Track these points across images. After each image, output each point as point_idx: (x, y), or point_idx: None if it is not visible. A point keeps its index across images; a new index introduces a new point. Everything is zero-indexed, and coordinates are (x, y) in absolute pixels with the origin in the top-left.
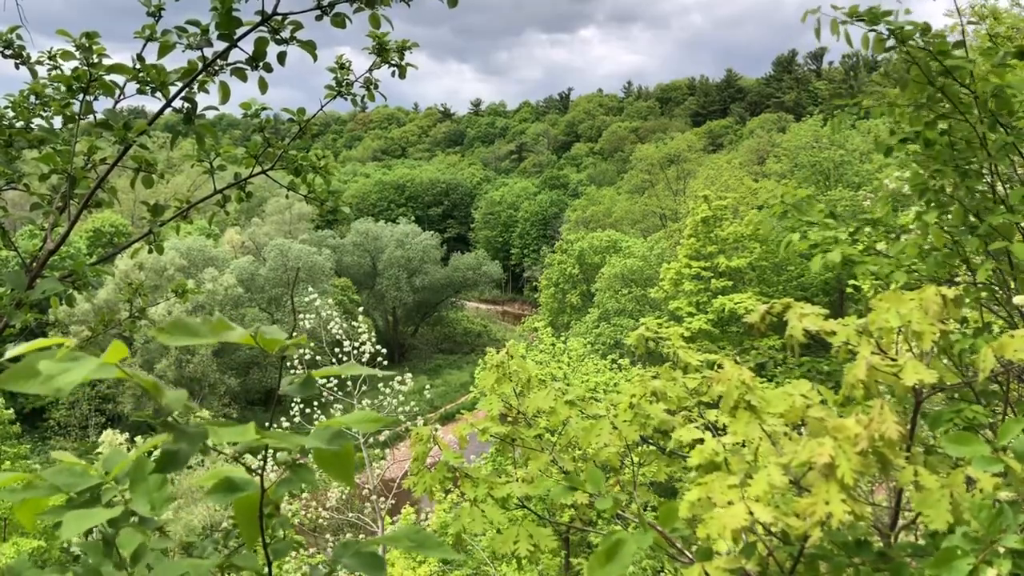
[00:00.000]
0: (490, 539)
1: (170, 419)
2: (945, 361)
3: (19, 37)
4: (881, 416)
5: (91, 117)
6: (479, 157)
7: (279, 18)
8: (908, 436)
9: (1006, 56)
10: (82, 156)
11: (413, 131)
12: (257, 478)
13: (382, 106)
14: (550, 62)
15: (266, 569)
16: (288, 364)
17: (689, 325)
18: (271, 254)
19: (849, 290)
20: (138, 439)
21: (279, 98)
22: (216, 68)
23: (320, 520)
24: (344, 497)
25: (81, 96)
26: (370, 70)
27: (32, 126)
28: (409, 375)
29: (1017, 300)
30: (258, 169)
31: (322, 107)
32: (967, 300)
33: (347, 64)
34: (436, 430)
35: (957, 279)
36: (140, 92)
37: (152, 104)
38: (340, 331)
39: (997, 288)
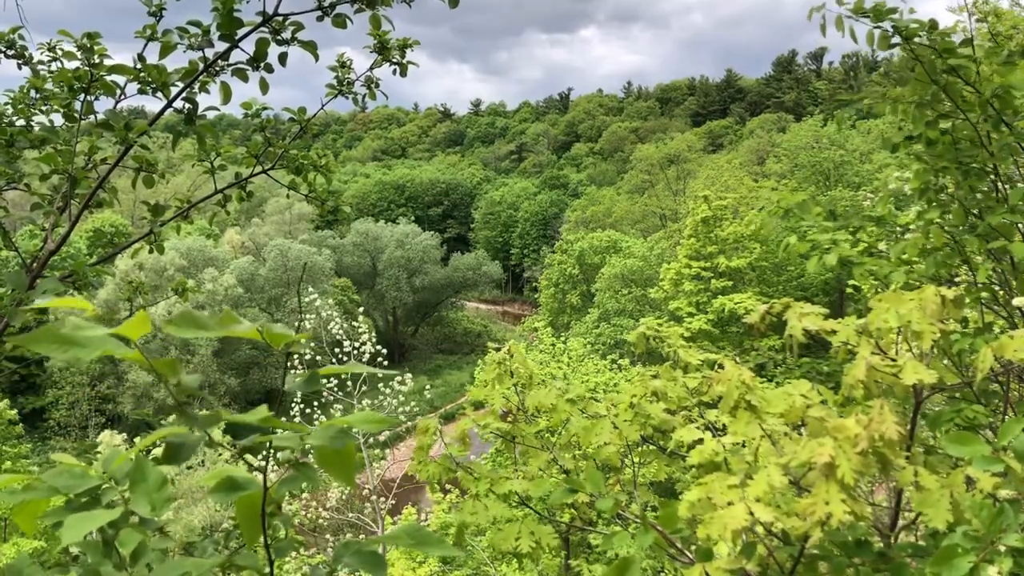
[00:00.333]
0: (490, 538)
1: (183, 405)
2: (945, 361)
3: (21, 37)
4: (881, 416)
5: (92, 117)
6: (479, 157)
7: (280, 19)
8: (908, 436)
9: (1012, 56)
10: (83, 156)
11: (413, 131)
12: (259, 477)
13: (382, 106)
14: (550, 62)
15: (267, 569)
16: (289, 364)
17: (689, 325)
18: (271, 254)
19: (849, 290)
20: (137, 439)
21: (280, 98)
22: (217, 68)
23: (320, 520)
24: (344, 497)
25: (82, 96)
26: (371, 68)
27: (33, 125)
28: (409, 375)
29: (1017, 302)
30: (259, 169)
31: (323, 106)
32: (967, 300)
33: (348, 63)
34: (441, 423)
35: (957, 279)
36: (141, 92)
37: (153, 104)
38: (340, 331)
39: (998, 288)
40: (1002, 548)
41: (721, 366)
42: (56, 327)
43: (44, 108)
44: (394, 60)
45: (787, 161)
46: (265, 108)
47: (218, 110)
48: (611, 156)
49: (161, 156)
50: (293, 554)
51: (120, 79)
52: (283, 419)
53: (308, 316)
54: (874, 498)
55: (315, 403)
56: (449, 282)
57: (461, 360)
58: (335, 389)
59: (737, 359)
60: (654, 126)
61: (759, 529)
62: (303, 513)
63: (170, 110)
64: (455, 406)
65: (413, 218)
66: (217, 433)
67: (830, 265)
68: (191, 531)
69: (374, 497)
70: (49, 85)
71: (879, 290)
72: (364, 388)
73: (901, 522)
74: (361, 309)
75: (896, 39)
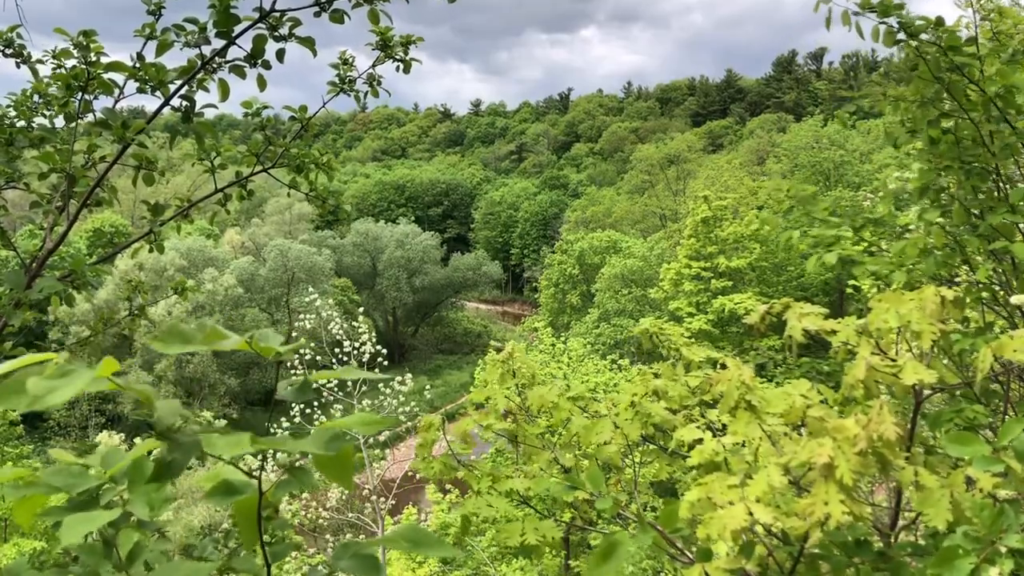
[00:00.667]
0: (491, 538)
1: (165, 429)
2: (945, 361)
3: (19, 36)
4: (880, 416)
5: (90, 116)
6: (479, 157)
7: (277, 15)
8: (908, 436)
9: (1016, 55)
10: (82, 155)
11: (413, 131)
12: (255, 480)
13: (382, 106)
14: (550, 62)
15: (265, 571)
16: (289, 364)
17: (689, 325)
18: (271, 254)
19: (849, 290)
20: (137, 440)
21: (280, 97)
22: (215, 66)
23: (320, 521)
24: (344, 498)
25: (80, 94)
26: (374, 65)
27: (33, 125)
28: (409, 375)
29: (1015, 300)
30: (259, 167)
31: (324, 104)
32: (968, 300)
33: (350, 60)
34: (444, 420)
35: (958, 279)
36: (140, 91)
37: (153, 104)
38: (340, 331)
39: (998, 288)
40: (1003, 549)
41: (723, 365)
42: (21, 381)
43: (48, 113)
44: (397, 57)
45: (787, 161)
46: (265, 107)
47: (216, 108)
48: (611, 156)
49: (161, 156)
50: (294, 554)
51: (118, 78)
52: (283, 419)
53: (308, 316)
54: (874, 498)
55: (315, 404)
56: (449, 282)
57: (461, 360)
58: (335, 390)
59: (737, 359)
60: (654, 126)
61: (759, 529)
62: (303, 513)
63: (170, 110)
64: (455, 406)
65: (413, 218)
66: (206, 449)
67: (829, 264)
68: (191, 531)
69: (374, 497)
70: (53, 90)
71: (880, 290)
72: (364, 389)
73: (901, 522)
74: (361, 309)
75: (901, 35)
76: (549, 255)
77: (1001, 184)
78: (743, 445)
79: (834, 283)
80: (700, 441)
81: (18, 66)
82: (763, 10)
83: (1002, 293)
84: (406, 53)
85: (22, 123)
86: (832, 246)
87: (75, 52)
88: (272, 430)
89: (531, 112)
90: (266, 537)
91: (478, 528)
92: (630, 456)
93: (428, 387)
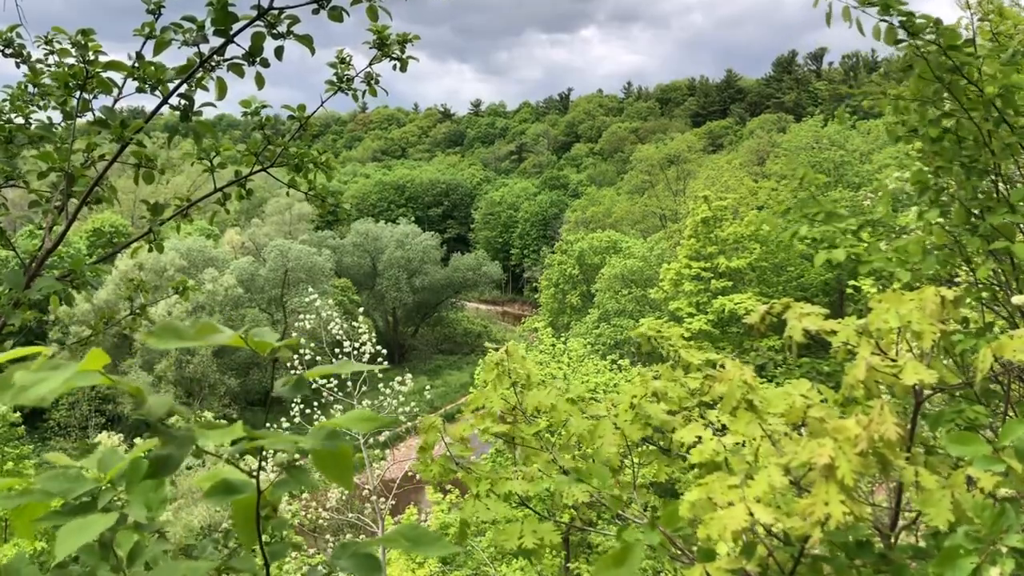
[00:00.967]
0: (490, 539)
1: (159, 424)
2: (946, 361)
3: (19, 36)
4: (881, 417)
5: (89, 115)
6: (479, 157)
7: (275, 12)
8: (909, 436)
9: (1015, 55)
10: (81, 153)
11: (413, 131)
12: (254, 480)
13: (382, 106)
14: (550, 62)
15: (264, 570)
16: (288, 364)
17: (689, 326)
18: (271, 255)
19: (849, 290)
20: (137, 440)
21: (279, 97)
22: (213, 64)
23: (320, 521)
24: (344, 498)
25: (78, 93)
26: (371, 64)
27: (31, 122)
28: (409, 375)
29: (1016, 300)
30: (258, 167)
31: (323, 103)
32: (968, 300)
33: (348, 58)
34: (444, 422)
35: (958, 279)
36: (139, 90)
37: (152, 105)
38: (340, 332)
39: (998, 288)
40: (1004, 549)
41: (722, 366)
42: (4, 376)
43: (42, 103)
44: (394, 55)
45: (787, 161)
46: (264, 106)
47: (214, 106)
48: (611, 156)
49: (160, 155)
50: (294, 554)
51: (117, 77)
52: (283, 419)
53: (308, 316)
54: (874, 498)
55: (315, 403)
56: (449, 282)
57: (461, 360)
58: (335, 389)
59: (737, 359)
60: (654, 126)
61: (759, 529)
62: (303, 513)
63: (169, 109)
64: (455, 406)
65: (413, 218)
66: (200, 442)
67: (837, 260)
68: (190, 531)
69: (374, 498)
70: (47, 80)
71: (880, 289)
72: (364, 388)
73: (901, 522)
74: (361, 309)
75: (902, 34)
76: (549, 255)
77: (1002, 184)
78: (743, 445)
79: (834, 283)
80: (700, 440)
81: (18, 66)
82: (763, 10)
83: (1002, 293)
84: (403, 51)
85: (20, 120)
86: (838, 241)
87: (73, 51)
88: (271, 429)
89: (531, 112)
90: (265, 536)
91: (478, 528)
92: (629, 457)
93: (428, 387)
